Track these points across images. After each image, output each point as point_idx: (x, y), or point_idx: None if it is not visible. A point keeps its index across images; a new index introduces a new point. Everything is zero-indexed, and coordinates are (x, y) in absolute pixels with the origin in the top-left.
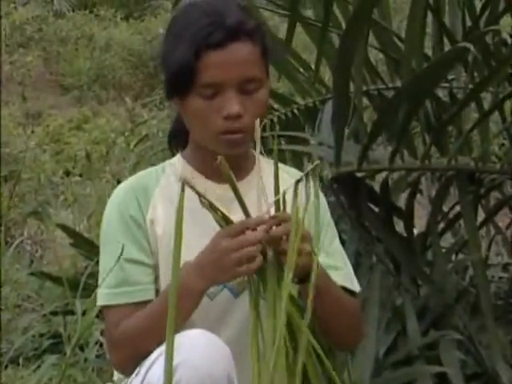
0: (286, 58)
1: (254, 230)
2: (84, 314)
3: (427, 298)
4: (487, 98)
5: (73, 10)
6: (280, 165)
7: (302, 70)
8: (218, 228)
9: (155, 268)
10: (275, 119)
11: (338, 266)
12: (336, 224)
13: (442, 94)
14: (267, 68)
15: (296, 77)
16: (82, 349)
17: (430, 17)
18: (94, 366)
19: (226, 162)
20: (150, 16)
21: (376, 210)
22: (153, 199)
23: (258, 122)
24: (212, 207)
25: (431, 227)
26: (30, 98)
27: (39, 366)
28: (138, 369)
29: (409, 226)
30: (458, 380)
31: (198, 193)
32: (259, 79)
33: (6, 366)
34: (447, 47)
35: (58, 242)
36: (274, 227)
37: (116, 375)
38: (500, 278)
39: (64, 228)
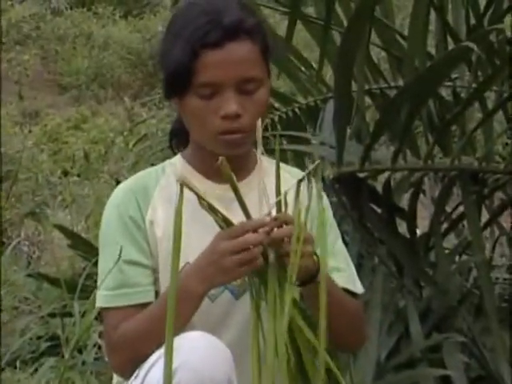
0: (287, 57)
1: (255, 231)
2: (82, 315)
3: (430, 299)
4: (491, 97)
5: (71, 8)
6: (282, 165)
7: (303, 68)
8: (218, 228)
9: (155, 270)
10: (276, 119)
11: (340, 268)
12: (338, 225)
13: (445, 93)
14: (268, 67)
15: (297, 75)
16: (80, 351)
17: (433, 15)
18: (92, 369)
19: (227, 163)
20: (149, 14)
21: (378, 210)
22: (152, 200)
23: (259, 121)
24: (211, 208)
25: (434, 228)
26: (28, 97)
27: (37, 369)
28: (137, 371)
29: (411, 226)
30: (462, 383)
31: (197, 194)
32: (259, 79)
33: (3, 369)
34: (451, 46)
35: (55, 243)
36: (275, 229)
37: (115, 378)
38: (504, 279)
39: (62, 229)
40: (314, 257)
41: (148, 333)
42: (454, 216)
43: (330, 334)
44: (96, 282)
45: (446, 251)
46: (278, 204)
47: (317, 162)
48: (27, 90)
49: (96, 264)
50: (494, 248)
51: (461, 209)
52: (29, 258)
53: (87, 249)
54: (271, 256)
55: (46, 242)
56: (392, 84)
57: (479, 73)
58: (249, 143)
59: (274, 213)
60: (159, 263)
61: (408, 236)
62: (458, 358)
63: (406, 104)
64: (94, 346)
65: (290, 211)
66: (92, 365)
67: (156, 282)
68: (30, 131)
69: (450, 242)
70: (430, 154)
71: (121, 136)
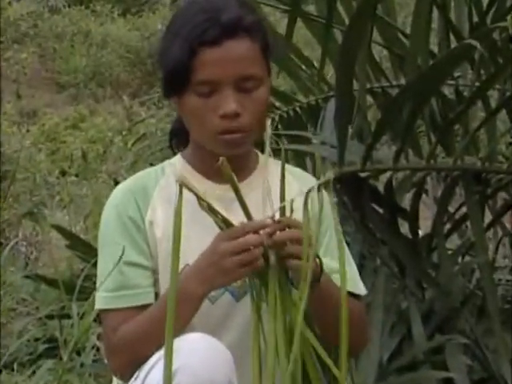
0: (287, 55)
1: (256, 232)
2: (81, 317)
3: (433, 301)
4: (494, 96)
5: (69, 6)
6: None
7: (304, 67)
8: (218, 228)
9: (154, 271)
10: (277, 118)
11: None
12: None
13: (447, 91)
14: (268, 65)
15: (298, 74)
16: (78, 353)
17: (435, 12)
18: (91, 372)
19: (227, 164)
20: (148, 12)
21: (380, 210)
22: (152, 200)
23: (268, 121)
24: (211, 209)
25: (437, 228)
26: (25, 95)
27: (34, 372)
28: (137, 373)
29: (414, 227)
30: None
31: (196, 195)
32: (258, 77)
33: (1, 371)
34: (453, 44)
35: (53, 244)
36: (277, 232)
37: (115, 381)
38: (507, 280)
39: (60, 229)
40: (317, 259)
41: (148, 335)
42: (456, 216)
43: (333, 338)
44: (95, 283)
45: (449, 252)
46: (282, 208)
47: (328, 175)
48: (25, 88)
49: (95, 265)
50: (497, 249)
51: (464, 209)
52: (26, 258)
53: (86, 249)
54: (272, 257)
55: (44, 243)
56: (394, 83)
57: (482, 71)
58: (249, 143)
59: (277, 215)
60: (159, 264)
61: (410, 236)
62: (461, 359)
63: (408, 103)
64: (93, 348)
65: (295, 216)
66: (90, 367)
67: (156, 283)
68: (27, 131)
69: (453, 242)
70: (433, 153)
71: (119, 135)
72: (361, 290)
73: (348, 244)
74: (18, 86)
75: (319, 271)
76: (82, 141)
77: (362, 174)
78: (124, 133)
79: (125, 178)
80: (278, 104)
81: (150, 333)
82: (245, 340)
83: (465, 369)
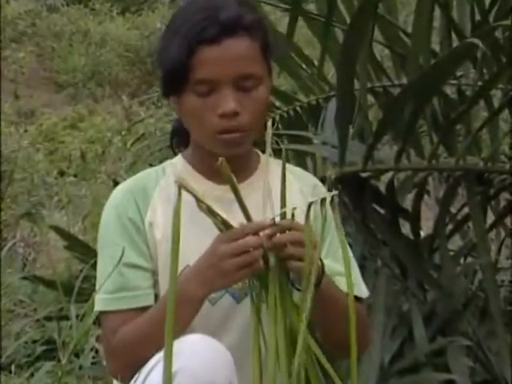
0: (288, 54)
1: (255, 234)
2: (80, 319)
3: (434, 302)
4: (497, 95)
5: (67, 4)
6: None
7: (304, 66)
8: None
9: (154, 272)
10: (277, 117)
11: (343, 272)
12: None
13: (449, 91)
14: (269, 64)
15: (298, 73)
16: (76, 356)
17: (437, 11)
18: (89, 374)
19: (226, 163)
20: (148, 10)
21: (381, 211)
22: (152, 201)
23: (269, 122)
24: (210, 211)
25: (439, 229)
26: (23, 95)
27: (32, 374)
28: (136, 375)
29: (415, 228)
30: None
31: (195, 196)
32: (258, 76)
33: None
34: (455, 43)
35: (51, 245)
36: (277, 234)
37: (115, 383)
38: (510, 282)
39: (58, 230)
40: (319, 261)
41: (147, 337)
42: (458, 217)
43: (334, 341)
44: (93, 284)
45: (451, 253)
46: (283, 203)
47: (333, 193)
48: (23, 88)
49: (93, 266)
50: (499, 250)
51: (466, 210)
52: (24, 259)
53: (84, 251)
54: (272, 259)
55: (42, 244)
56: (395, 82)
57: (485, 70)
58: (248, 142)
59: (278, 217)
60: (158, 266)
61: (412, 237)
62: (463, 362)
63: (409, 102)
64: (92, 350)
65: (296, 215)
66: (89, 369)
67: (156, 284)
68: (25, 130)
69: (455, 243)
70: (435, 153)
71: (118, 135)
72: (363, 292)
73: (349, 245)
74: (15, 86)
75: (321, 273)
76: (81, 141)
77: (363, 174)
78: (123, 133)
79: (124, 179)
80: (278, 104)
81: (150, 335)
82: (245, 342)
83: (467, 371)
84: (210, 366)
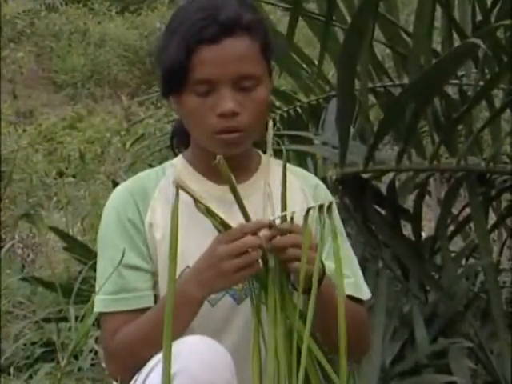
0: (288, 54)
1: (254, 233)
2: (80, 321)
3: (436, 304)
4: (499, 96)
5: (66, 4)
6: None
7: (305, 66)
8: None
9: (154, 273)
10: (277, 118)
11: (345, 274)
12: None
13: (451, 91)
14: (269, 64)
15: (299, 73)
16: (75, 357)
17: (438, 11)
18: (89, 376)
19: (224, 161)
20: (147, 10)
21: (382, 212)
22: (152, 201)
23: (271, 123)
24: (208, 211)
25: (440, 230)
26: (22, 95)
27: (31, 376)
28: (136, 376)
29: (417, 229)
30: None
31: (193, 197)
32: (257, 76)
33: None
34: (457, 42)
35: (50, 246)
36: (277, 236)
37: None
38: None
39: (57, 231)
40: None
41: (147, 338)
42: (460, 218)
43: (333, 341)
44: (92, 286)
45: (453, 254)
46: (283, 206)
47: (331, 201)
48: (21, 88)
49: (92, 267)
50: (501, 251)
51: (467, 211)
52: (23, 261)
53: (83, 252)
54: (271, 261)
55: (41, 245)
56: (396, 82)
57: (486, 70)
58: (248, 143)
59: (278, 221)
60: (158, 267)
61: (413, 238)
62: (465, 363)
63: (410, 102)
64: (91, 351)
65: (296, 214)
66: (88, 371)
67: (155, 285)
68: (24, 131)
69: (457, 244)
70: (436, 154)
71: (118, 136)
72: (365, 293)
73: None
74: (14, 86)
75: (322, 274)
76: (80, 141)
77: (364, 175)
78: (122, 133)
79: (123, 179)
80: (278, 104)
81: (150, 336)
82: (245, 343)
83: (468, 373)
84: (210, 367)
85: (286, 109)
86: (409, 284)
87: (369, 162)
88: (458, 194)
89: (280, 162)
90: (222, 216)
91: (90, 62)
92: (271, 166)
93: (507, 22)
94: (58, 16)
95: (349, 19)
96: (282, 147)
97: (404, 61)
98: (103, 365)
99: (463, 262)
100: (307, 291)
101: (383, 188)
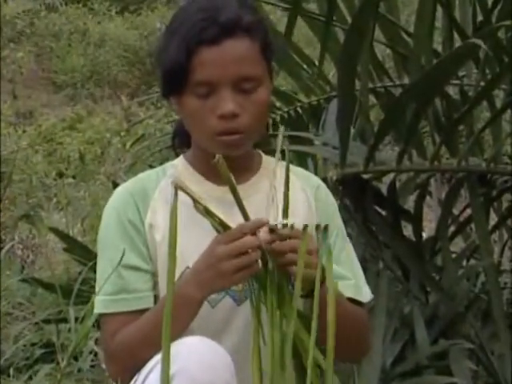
0: (288, 54)
1: (253, 233)
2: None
3: (436, 305)
4: (499, 96)
5: (66, 4)
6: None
7: (305, 66)
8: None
9: (154, 274)
10: (278, 118)
11: (345, 276)
12: None
13: (452, 91)
14: (269, 66)
15: (299, 74)
16: (75, 358)
17: (439, 11)
18: (88, 377)
19: (223, 161)
20: (147, 10)
21: (383, 213)
22: (152, 202)
23: (282, 127)
24: (207, 212)
25: (441, 231)
26: (21, 96)
27: (31, 377)
28: (135, 377)
29: (417, 229)
30: None
31: (192, 197)
32: (257, 77)
33: None
34: (457, 43)
35: (50, 247)
36: (277, 241)
37: None
38: None
39: (57, 232)
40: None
41: (146, 339)
42: (461, 219)
43: (335, 346)
44: (92, 287)
45: (453, 255)
46: (285, 214)
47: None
48: (21, 88)
49: (92, 268)
50: (502, 252)
51: (468, 211)
52: (23, 262)
53: (83, 253)
54: (271, 262)
55: (41, 246)
56: (397, 82)
57: (487, 70)
58: (248, 144)
59: (279, 219)
60: (158, 267)
61: (414, 239)
62: (466, 364)
63: (411, 103)
64: (90, 352)
65: (296, 215)
66: (88, 372)
67: (155, 286)
68: (23, 131)
69: (457, 245)
70: (437, 154)
71: (117, 136)
72: (365, 295)
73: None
74: (14, 86)
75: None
76: (80, 142)
77: (365, 176)
78: (122, 134)
79: (123, 180)
80: (279, 104)
81: (149, 337)
82: (246, 344)
83: (469, 374)
84: (209, 367)
85: (286, 109)
86: (409, 285)
87: (369, 162)
88: (459, 194)
89: (282, 163)
90: (221, 216)
91: (90, 63)
92: (273, 167)
93: (508, 22)
94: (58, 16)
95: (349, 19)
96: (285, 148)
97: (405, 61)
98: (103, 366)
99: (464, 262)
100: (310, 293)
101: (384, 189)
